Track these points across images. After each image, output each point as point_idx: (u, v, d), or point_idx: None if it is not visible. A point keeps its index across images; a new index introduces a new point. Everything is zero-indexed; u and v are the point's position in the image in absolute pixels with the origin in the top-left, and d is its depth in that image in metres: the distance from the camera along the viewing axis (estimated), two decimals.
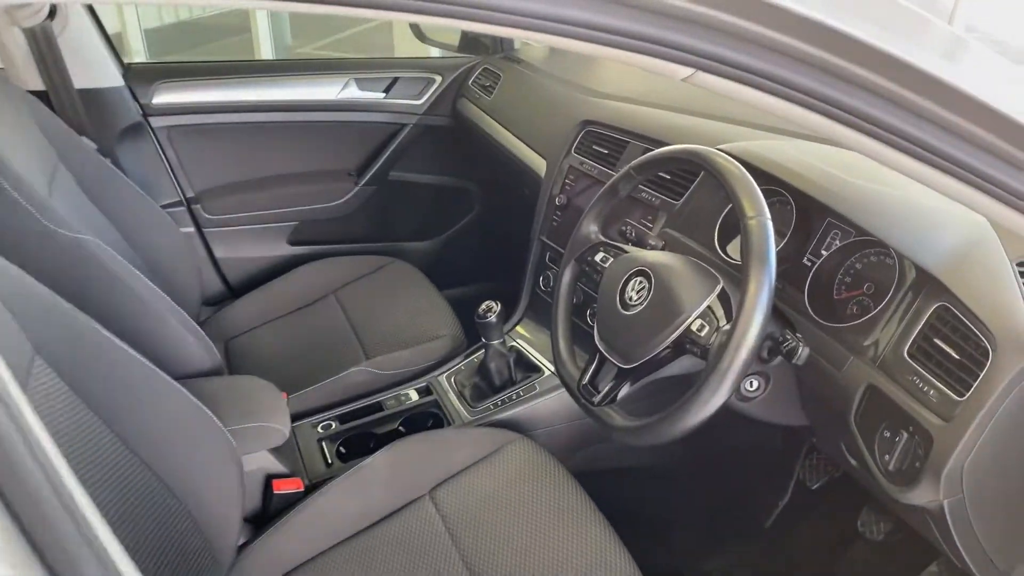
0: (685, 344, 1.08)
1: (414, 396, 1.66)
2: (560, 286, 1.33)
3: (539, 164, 1.81)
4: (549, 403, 1.57)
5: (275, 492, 1.38)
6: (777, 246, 1.27)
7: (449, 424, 1.58)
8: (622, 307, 1.16)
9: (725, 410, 1.09)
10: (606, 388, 1.17)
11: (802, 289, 1.23)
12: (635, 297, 1.15)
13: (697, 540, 1.76)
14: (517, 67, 2.14)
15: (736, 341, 0.97)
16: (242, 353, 1.88)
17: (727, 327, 1.03)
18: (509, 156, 1.95)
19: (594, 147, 1.67)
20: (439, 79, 2.24)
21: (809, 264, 1.25)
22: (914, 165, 0.78)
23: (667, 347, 1.10)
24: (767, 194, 1.34)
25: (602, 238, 1.31)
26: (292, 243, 2.28)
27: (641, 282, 1.15)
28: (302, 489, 1.40)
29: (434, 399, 1.64)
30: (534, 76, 2.03)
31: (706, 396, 0.99)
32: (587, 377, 1.21)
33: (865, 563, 1.59)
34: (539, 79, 2.00)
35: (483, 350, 1.67)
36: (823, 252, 1.24)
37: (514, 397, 1.59)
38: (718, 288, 1.11)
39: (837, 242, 1.23)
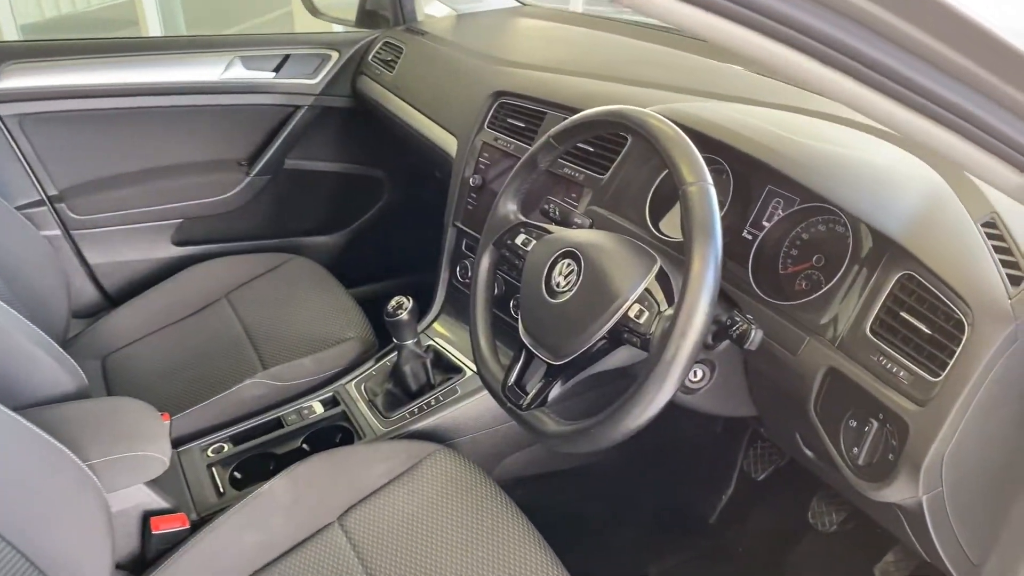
0: (623, 333, 0.93)
1: (319, 409, 1.47)
2: (478, 275, 1.17)
3: (449, 142, 1.64)
4: (472, 407, 1.41)
5: (154, 532, 1.17)
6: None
7: (360, 438, 1.40)
8: (549, 295, 1.01)
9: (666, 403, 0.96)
10: (535, 389, 1.02)
11: (745, 265, 1.10)
12: (563, 283, 1.00)
13: (640, 542, 1.63)
14: (420, 39, 1.96)
15: (681, 327, 0.83)
16: (121, 370, 1.65)
17: (669, 312, 0.89)
18: (416, 136, 1.77)
19: (509, 120, 1.51)
20: (335, 55, 2.04)
21: (750, 237, 1.13)
22: (891, 107, 0.65)
23: (602, 338, 0.95)
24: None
25: (522, 218, 1.15)
26: (177, 243, 2.04)
27: (569, 265, 1.00)
28: (187, 526, 1.20)
29: (342, 411, 1.46)
30: (439, 48, 1.85)
31: (651, 392, 0.85)
32: (513, 377, 1.06)
33: (818, 555, 1.49)
34: (445, 50, 1.82)
35: (396, 352, 1.49)
36: (765, 223, 1.12)
37: (433, 403, 1.42)
38: (655, 268, 0.96)
39: (780, 211, 1.11)
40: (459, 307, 1.63)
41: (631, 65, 1.51)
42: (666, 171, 1.25)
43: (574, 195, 1.35)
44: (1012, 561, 0.93)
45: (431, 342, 1.57)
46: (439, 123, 1.69)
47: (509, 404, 1.04)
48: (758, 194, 1.14)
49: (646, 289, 0.94)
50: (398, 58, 1.93)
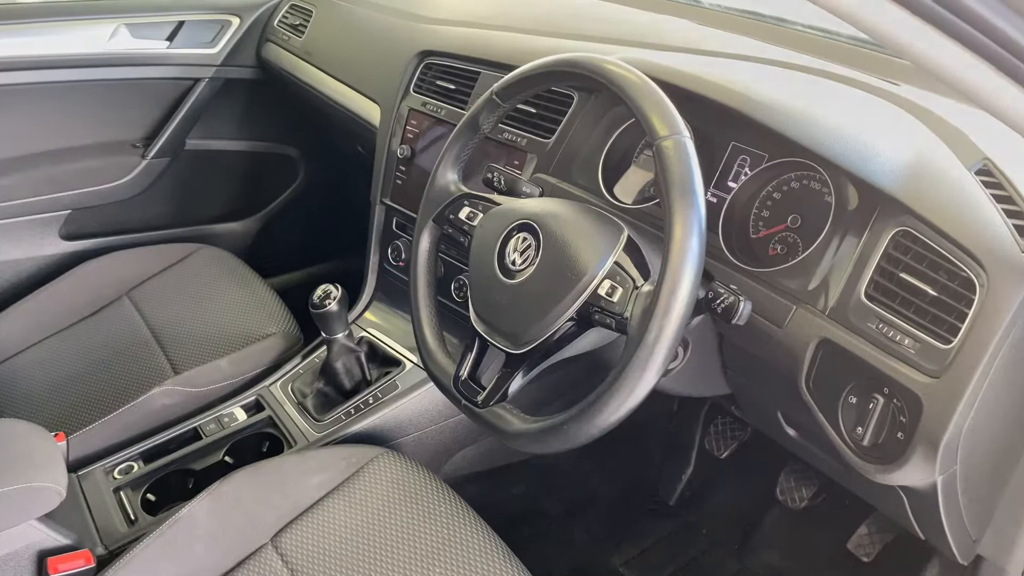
0: (593, 314, 0.81)
1: (241, 415, 1.31)
2: (417, 256, 1.03)
3: (371, 111, 1.48)
4: (415, 403, 1.27)
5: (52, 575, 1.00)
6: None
7: (290, 446, 1.24)
8: (504, 275, 0.88)
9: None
10: (492, 382, 0.89)
11: (715, 230, 1.00)
12: (519, 260, 0.87)
13: (600, 532, 1.54)
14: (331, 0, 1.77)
15: (664, 304, 0.72)
16: (7, 386, 1.44)
17: (647, 287, 0.77)
18: (333, 107, 1.61)
19: (438, 83, 1.37)
20: (236, 21, 1.84)
21: (715, 200, 1.03)
22: None
23: (569, 320, 0.83)
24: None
25: (464, 189, 1.02)
26: (66, 237, 1.81)
27: (525, 240, 0.88)
28: (92, 564, 1.03)
29: (268, 416, 1.30)
30: (354, 8, 1.68)
31: (632, 380, 0.74)
32: (465, 370, 0.93)
33: (787, 532, 1.42)
34: (360, 10, 1.65)
35: (325, 348, 1.34)
36: (731, 184, 1.02)
37: (371, 401, 1.28)
38: (623, 238, 0.85)
39: (747, 170, 1.01)
40: (392, 293, 1.48)
41: (569, 19, 1.38)
42: (619, 131, 1.13)
43: (516, 162, 1.22)
44: (1010, 532, 0.87)
45: (364, 333, 1.42)
46: (358, 90, 1.53)
47: (464, 401, 0.91)
48: (721, 153, 1.04)
49: (616, 262, 0.82)
50: (307, 21, 1.75)
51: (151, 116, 1.84)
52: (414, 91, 1.40)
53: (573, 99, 1.17)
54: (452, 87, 1.34)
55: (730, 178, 1.03)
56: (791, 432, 1.01)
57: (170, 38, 1.78)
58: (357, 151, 1.69)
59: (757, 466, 1.48)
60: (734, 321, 0.79)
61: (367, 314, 1.48)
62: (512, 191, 1.05)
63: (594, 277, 0.81)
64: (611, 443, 1.56)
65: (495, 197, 0.99)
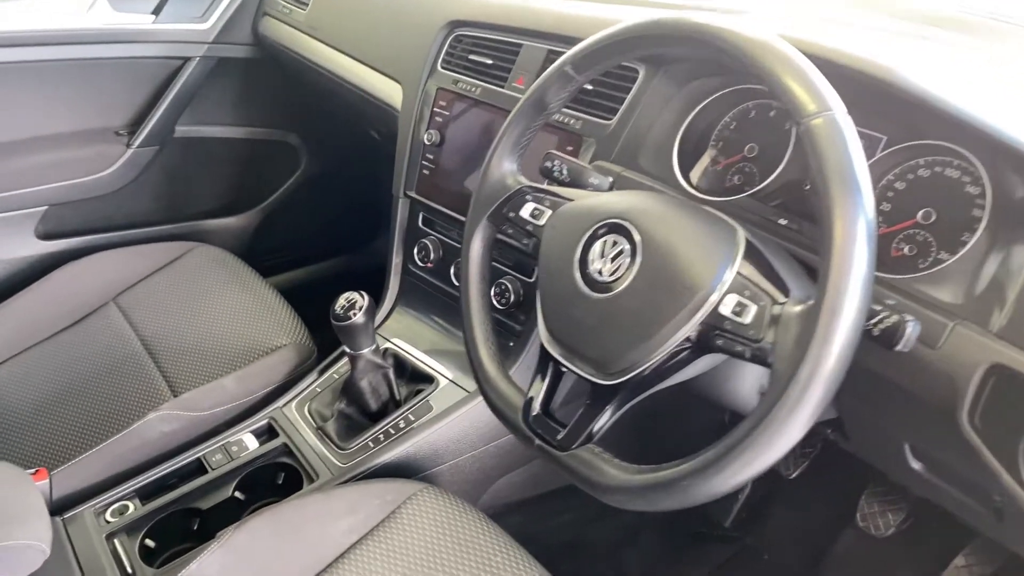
0: (712, 338, 0.65)
1: (251, 443, 1.13)
2: (468, 262, 0.86)
3: (391, 92, 1.30)
4: (452, 427, 1.11)
5: None
6: (770, 175, 0.89)
7: (311, 479, 1.07)
8: (588, 287, 0.72)
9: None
10: (575, 419, 0.72)
11: None
12: (609, 270, 0.71)
13: (653, 560, 1.38)
14: None
15: (826, 329, 0.56)
16: None
17: (796, 307, 0.60)
18: (345, 87, 1.42)
19: (471, 57, 1.19)
20: None
21: None
22: None
23: (681, 346, 0.66)
24: (749, 97, 0.95)
25: (525, 181, 0.85)
26: (43, 236, 1.62)
27: (616, 244, 0.71)
28: None
29: (283, 444, 1.12)
30: None
31: (780, 426, 0.58)
32: (537, 403, 0.76)
33: (865, 558, 1.27)
34: None
35: (346, 362, 1.18)
36: None
37: (402, 425, 1.11)
38: (741, 240, 0.68)
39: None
40: (417, 297, 1.31)
41: None
42: (696, 110, 0.96)
43: (570, 148, 1.05)
44: None
45: (388, 344, 1.25)
46: (375, 68, 1.35)
47: (538, 442, 0.75)
48: None
49: (739, 273, 0.66)
50: None
51: (136, 100, 1.64)
52: (442, 67, 1.23)
53: (639, 73, 1.00)
54: (489, 62, 1.16)
55: None
56: (916, 466, 0.85)
57: (156, 11, 1.59)
58: (370, 137, 1.51)
59: (828, 484, 1.33)
60: (898, 347, 0.63)
61: (390, 321, 1.31)
62: (577, 182, 0.88)
63: (713, 291, 0.65)
64: (658, 461, 1.40)
65: (562, 190, 0.82)
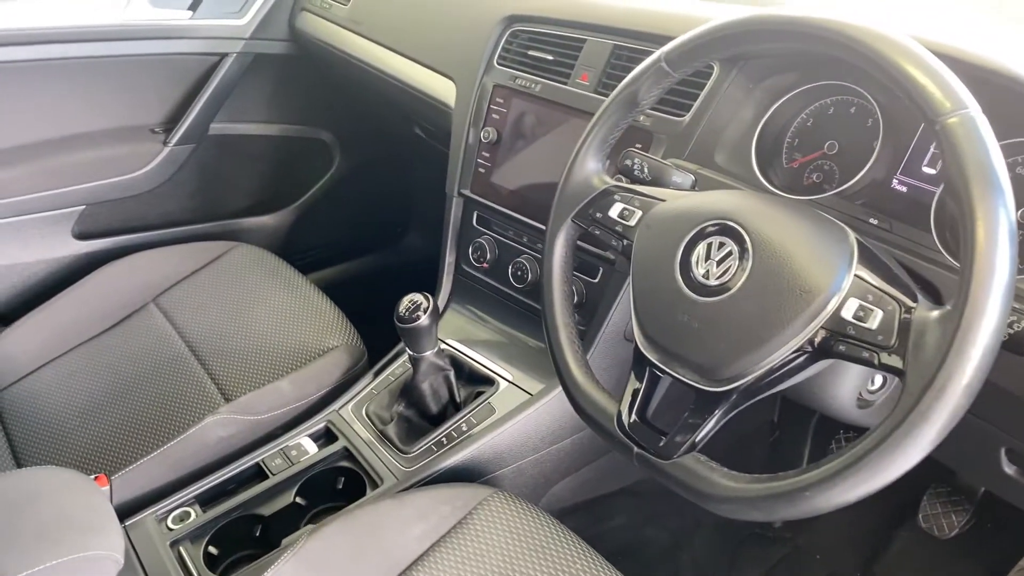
0: (833, 344, 0.63)
1: (310, 447, 1.11)
2: (552, 265, 0.84)
3: (443, 89, 1.28)
4: (516, 430, 1.09)
5: None
6: (858, 172, 0.87)
7: (375, 484, 1.05)
8: (692, 290, 0.69)
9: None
10: (677, 426, 0.70)
11: (921, 225, 0.81)
12: (717, 272, 0.68)
13: (707, 562, 1.36)
14: None
15: (968, 335, 0.54)
16: (23, 411, 1.25)
17: (932, 311, 0.58)
18: (391, 83, 1.40)
19: (530, 53, 1.17)
20: None
21: (907, 189, 0.85)
22: None
23: (799, 351, 0.64)
24: (828, 93, 0.93)
25: (611, 181, 0.83)
26: (80, 236, 1.60)
27: (723, 246, 0.69)
28: None
29: (343, 447, 1.11)
30: None
31: (914, 434, 0.56)
32: (633, 409, 0.74)
33: (922, 558, 1.26)
34: None
35: (403, 364, 1.16)
36: (927, 170, 0.84)
37: (464, 428, 1.09)
38: (855, 244, 0.66)
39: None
40: (472, 297, 1.29)
41: None
42: (775, 106, 0.95)
43: (639, 145, 1.03)
44: None
45: (443, 345, 1.23)
46: (425, 64, 1.32)
47: (637, 450, 0.73)
48: (910, 133, 0.86)
49: (857, 276, 0.64)
50: None
51: (172, 97, 1.62)
52: (498, 64, 1.20)
53: (713, 69, 0.98)
54: (550, 58, 1.14)
55: (925, 162, 0.85)
56: (1010, 470, 0.83)
57: (192, 7, 1.56)
58: (404, 133, 1.49)
59: (892, 485, 1.31)
60: None
61: (444, 322, 1.29)
62: (659, 181, 0.86)
63: (832, 295, 0.63)
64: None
65: (650, 190, 0.80)
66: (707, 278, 0.69)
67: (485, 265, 1.24)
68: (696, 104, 0.98)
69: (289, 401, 1.17)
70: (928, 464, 0.98)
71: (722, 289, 0.68)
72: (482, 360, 1.18)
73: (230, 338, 1.31)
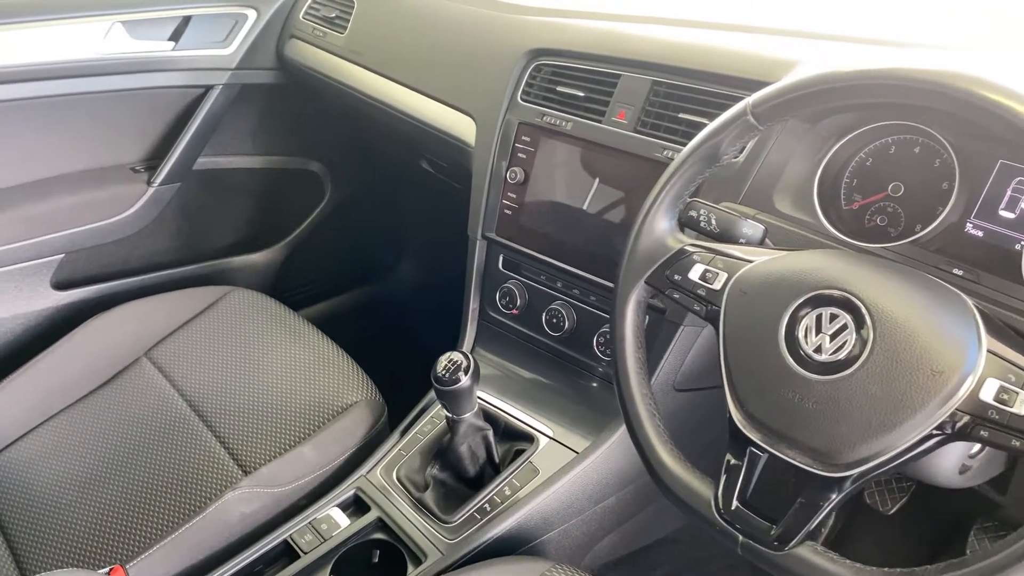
0: (972, 429, 0.58)
1: (341, 519, 1.03)
2: (624, 333, 0.78)
3: (459, 124, 1.21)
4: (564, 492, 1.02)
5: None
6: (929, 215, 0.83)
7: (419, 559, 0.98)
8: (803, 366, 0.64)
9: None
10: (790, 513, 0.65)
11: (1016, 276, 0.77)
12: (831, 348, 0.63)
13: None
14: None
15: None
16: (9, 486, 1.14)
17: None
18: (396, 116, 1.32)
19: (559, 89, 1.10)
20: (252, 14, 1.52)
21: (983, 234, 0.81)
22: None
23: (932, 435, 0.59)
24: (889, 132, 0.88)
25: (686, 239, 0.77)
26: (59, 286, 1.48)
27: (836, 319, 0.64)
28: None
29: (376, 517, 1.03)
30: None
31: None
32: (734, 494, 0.68)
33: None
34: (431, 0, 1.35)
35: (430, 421, 1.09)
36: (1004, 214, 0.80)
37: (508, 492, 1.02)
38: (976, 312, 0.62)
39: None
40: (498, 345, 1.22)
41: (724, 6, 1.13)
42: (837, 146, 0.90)
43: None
44: None
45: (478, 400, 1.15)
46: (440, 99, 1.25)
47: (743, 539, 0.67)
48: (985, 173, 0.82)
49: (990, 352, 0.59)
50: (348, 13, 1.45)
51: (155, 133, 1.52)
52: (522, 100, 1.14)
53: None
54: (581, 94, 1.08)
55: (1003, 206, 0.81)
56: None
57: (174, 37, 1.46)
58: (414, 166, 1.41)
59: (927, 519, 1.28)
60: None
61: None
62: (728, 234, 0.80)
63: (968, 375, 0.58)
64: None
65: (734, 249, 0.75)
66: (819, 353, 0.64)
67: (515, 311, 1.17)
68: (750, 144, 0.93)
69: (313, 468, 1.08)
70: (972, 496, 0.95)
71: (839, 366, 0.62)
72: (519, 415, 1.11)
73: (236, 395, 1.22)
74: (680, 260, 0.76)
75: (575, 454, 1.04)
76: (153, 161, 1.52)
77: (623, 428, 1.03)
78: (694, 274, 0.74)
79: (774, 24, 1.05)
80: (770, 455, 0.66)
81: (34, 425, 1.23)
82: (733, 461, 0.69)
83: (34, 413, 1.24)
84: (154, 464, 1.13)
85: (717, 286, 0.73)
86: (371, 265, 1.96)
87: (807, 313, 0.65)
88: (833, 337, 0.63)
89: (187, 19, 1.46)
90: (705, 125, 0.96)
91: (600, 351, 1.07)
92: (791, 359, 0.65)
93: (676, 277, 0.75)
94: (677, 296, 0.75)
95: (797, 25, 1.05)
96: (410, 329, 1.91)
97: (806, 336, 0.65)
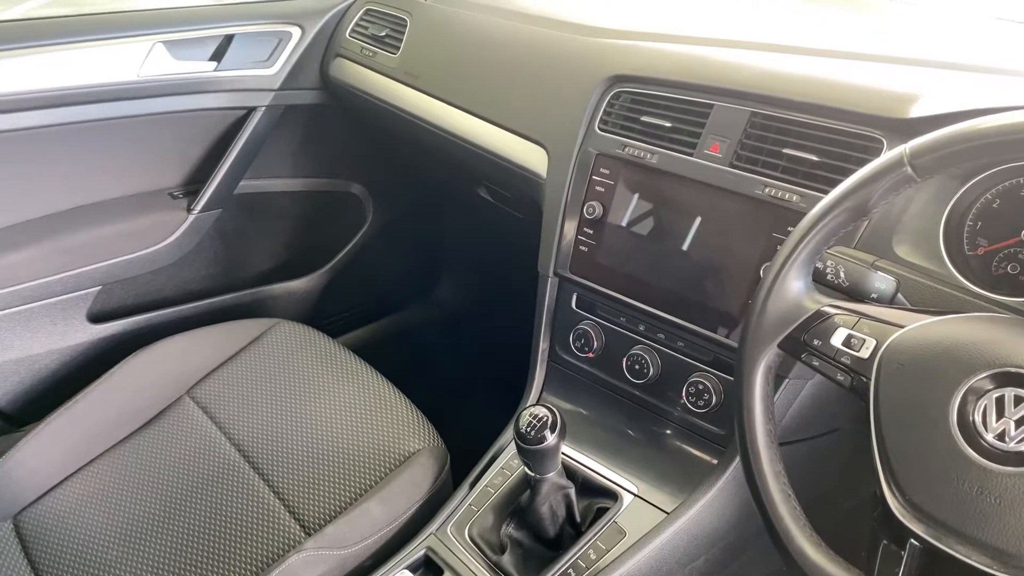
0: None
1: None
2: (752, 399, 0.71)
3: (528, 154, 1.13)
4: (653, 555, 0.95)
5: None
6: None
7: None
8: (981, 454, 0.56)
9: None
10: None
11: None
12: (1015, 436, 0.56)
13: None
14: (432, 6, 1.39)
15: None
16: (48, 537, 1.08)
17: None
18: (455, 143, 1.25)
19: (643, 119, 1.03)
20: (297, 32, 1.45)
21: None
22: None
23: None
24: (1009, 173, 0.81)
25: (825, 300, 0.69)
26: (95, 319, 1.41)
27: (1021, 402, 0.56)
28: None
29: None
30: (479, 16, 1.29)
31: None
32: None
33: None
34: (494, 21, 1.27)
35: (499, 472, 1.01)
36: None
37: (593, 556, 0.94)
38: None
39: None
40: (569, 389, 1.15)
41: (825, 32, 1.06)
42: (965, 188, 0.82)
43: (790, 229, 0.90)
44: None
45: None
46: (506, 127, 1.17)
47: None
48: None
49: None
50: (399, 32, 1.38)
51: (194, 157, 1.45)
52: (600, 129, 1.06)
53: (882, 144, 0.85)
54: (668, 124, 1.00)
55: None
56: None
57: (216, 57, 1.39)
58: (439, 184, 1.33)
59: None
60: None
61: None
62: (858, 288, 0.73)
63: None
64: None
65: (882, 312, 0.67)
66: (1004, 440, 0.56)
67: (591, 355, 1.10)
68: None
69: (381, 526, 1.01)
70: None
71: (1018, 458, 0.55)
72: (600, 468, 1.04)
73: (288, 441, 1.14)
74: (818, 323, 0.68)
75: (664, 514, 0.97)
76: (193, 186, 1.45)
77: (717, 486, 0.97)
78: (836, 340, 0.67)
79: (876, 51, 0.97)
80: (938, 550, 0.59)
81: (74, 469, 1.17)
82: (887, 551, 0.61)
83: (74, 456, 1.18)
84: (205, 517, 1.05)
85: (865, 354, 0.65)
86: (410, 288, 1.88)
87: (984, 393, 0.58)
88: (1020, 424, 0.56)
89: (229, 38, 1.39)
90: (810, 160, 0.90)
91: (690, 401, 1.00)
92: (967, 446, 0.57)
93: (815, 342, 0.68)
94: (816, 364, 0.68)
95: (900, 51, 0.97)
96: (450, 359, 1.83)
97: (984, 420, 0.57)
